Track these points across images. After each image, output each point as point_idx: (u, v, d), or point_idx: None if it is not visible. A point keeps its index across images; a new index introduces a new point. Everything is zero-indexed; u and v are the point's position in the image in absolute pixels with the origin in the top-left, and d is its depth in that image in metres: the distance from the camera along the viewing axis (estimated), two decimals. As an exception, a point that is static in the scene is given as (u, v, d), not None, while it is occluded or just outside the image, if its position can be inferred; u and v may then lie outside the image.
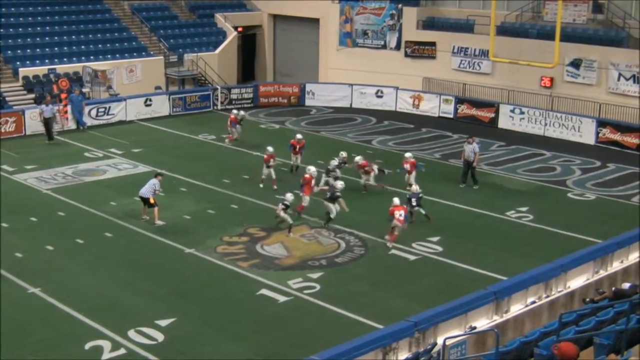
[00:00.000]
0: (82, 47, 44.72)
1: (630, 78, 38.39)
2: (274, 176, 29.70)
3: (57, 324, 19.17)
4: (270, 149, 29.87)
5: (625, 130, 36.76)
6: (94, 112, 39.62)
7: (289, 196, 25.39)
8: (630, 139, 36.27)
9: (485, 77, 43.14)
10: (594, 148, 36.90)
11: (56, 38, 44.75)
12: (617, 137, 36.85)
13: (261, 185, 29.62)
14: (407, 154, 30.33)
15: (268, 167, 29.70)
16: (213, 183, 30.31)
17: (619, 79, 38.87)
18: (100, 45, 45.36)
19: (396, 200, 24.66)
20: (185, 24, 50.91)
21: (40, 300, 20.29)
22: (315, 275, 22.14)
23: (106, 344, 18.00)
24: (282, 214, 25.22)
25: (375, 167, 29.73)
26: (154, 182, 25.95)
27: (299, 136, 32.05)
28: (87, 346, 17.90)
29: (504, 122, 40.67)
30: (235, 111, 37.10)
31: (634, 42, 39.47)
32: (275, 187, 29.26)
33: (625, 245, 21.28)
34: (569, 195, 30.24)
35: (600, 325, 14.28)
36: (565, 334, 13.73)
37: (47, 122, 36.06)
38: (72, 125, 38.60)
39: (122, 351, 17.80)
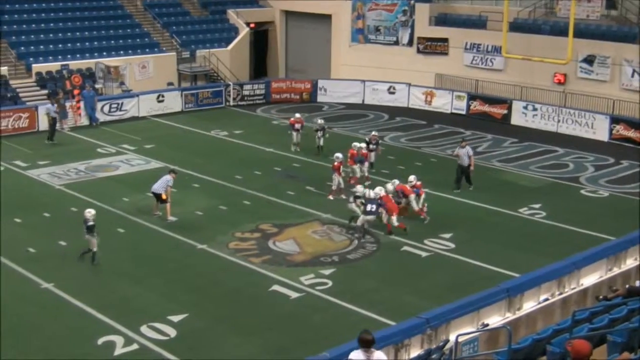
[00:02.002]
0: (95, 43, 44.81)
1: (644, 74, 38.25)
2: (342, 184, 28.41)
3: (69, 319, 19.24)
4: (339, 155, 28.71)
5: (639, 127, 36.58)
6: (106, 108, 39.70)
7: (360, 188, 25.58)
8: (645, 136, 36.16)
9: (498, 73, 43.01)
10: (607, 145, 36.76)
11: (69, 34, 44.84)
12: (630, 133, 36.69)
13: (331, 198, 28.20)
14: (357, 144, 30.15)
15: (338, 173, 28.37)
16: (225, 179, 30.32)
17: (632, 76, 38.65)
18: (112, 42, 45.42)
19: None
20: (197, 20, 50.93)
21: (53, 295, 20.36)
22: (327, 272, 22.14)
23: (119, 340, 18.06)
24: (352, 206, 25.44)
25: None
26: (167, 179, 25.96)
27: (358, 144, 30.24)
28: (100, 341, 17.97)
29: (516, 119, 40.56)
30: (298, 115, 35.17)
31: (648, 38, 39.37)
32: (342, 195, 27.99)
33: (639, 242, 21.20)
34: (582, 192, 30.14)
35: (613, 323, 14.23)
36: (578, 331, 13.69)
37: (55, 122, 35.95)
38: (84, 121, 38.70)
39: (134, 346, 17.86)
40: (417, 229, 25.19)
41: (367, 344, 12.30)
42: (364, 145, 30.59)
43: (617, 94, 38.64)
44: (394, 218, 24.97)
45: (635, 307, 14.69)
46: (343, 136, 37.14)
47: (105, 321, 18.93)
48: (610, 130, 37.42)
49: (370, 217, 24.75)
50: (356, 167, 29.49)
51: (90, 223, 22.07)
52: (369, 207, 24.63)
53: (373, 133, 32.47)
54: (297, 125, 34.55)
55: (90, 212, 22.25)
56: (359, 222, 24.98)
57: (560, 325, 14.72)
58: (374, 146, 31.49)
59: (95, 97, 39.35)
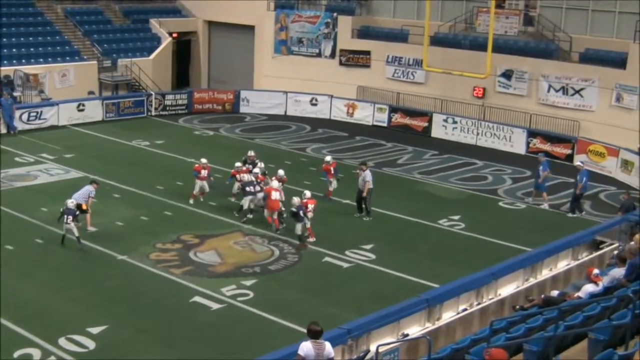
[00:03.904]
0: (14, 50, 43.94)
1: (560, 89, 39.15)
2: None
3: (-15, 331, 18.85)
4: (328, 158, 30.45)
5: (554, 140, 37.48)
6: (25, 117, 39.00)
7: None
8: (560, 149, 36.96)
9: (419, 86, 43.57)
10: (524, 158, 37.48)
11: (-14, 41, 43.97)
12: (546, 147, 37.50)
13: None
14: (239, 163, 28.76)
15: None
16: (146, 189, 30.05)
17: (549, 90, 39.58)
18: (32, 49, 44.62)
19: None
20: (119, 28, 50.41)
21: (-32, 307, 19.92)
22: (248, 283, 22.12)
23: (36, 352, 17.73)
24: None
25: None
26: (89, 189, 25.62)
27: (328, 158, 30.36)
28: (16, 354, 17.60)
29: (437, 132, 41.12)
30: (204, 160, 28.96)
31: (564, 54, 40.32)
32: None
33: (554, 253, 21.72)
34: (500, 204, 30.70)
35: (530, 332, 14.53)
36: (496, 340, 13.95)
37: None
38: (2, 129, 37.93)
39: (52, 359, 17.57)
40: (338, 240, 25.33)
41: (316, 335, 12.44)
42: (239, 164, 28.52)
43: (534, 108, 39.49)
44: (274, 216, 26.12)
45: (550, 316, 15.03)
46: (265, 147, 37.19)
47: (21, 333, 18.56)
48: (527, 143, 38.22)
49: (250, 197, 26.76)
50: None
51: (77, 212, 23.90)
52: (247, 188, 26.76)
53: (250, 153, 30.35)
54: (204, 172, 28.74)
55: (73, 202, 23.98)
56: (244, 205, 26.84)
57: (479, 335, 14.98)
58: (250, 166, 28.86)
59: (14, 105, 38.62)
